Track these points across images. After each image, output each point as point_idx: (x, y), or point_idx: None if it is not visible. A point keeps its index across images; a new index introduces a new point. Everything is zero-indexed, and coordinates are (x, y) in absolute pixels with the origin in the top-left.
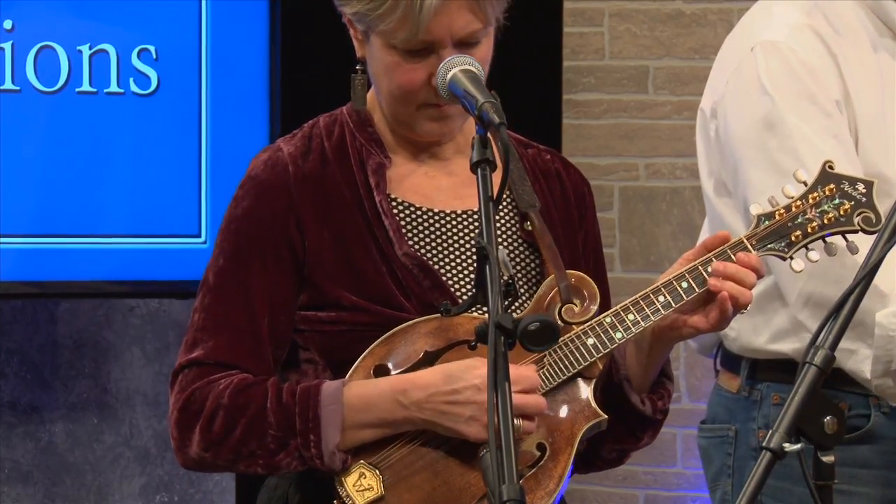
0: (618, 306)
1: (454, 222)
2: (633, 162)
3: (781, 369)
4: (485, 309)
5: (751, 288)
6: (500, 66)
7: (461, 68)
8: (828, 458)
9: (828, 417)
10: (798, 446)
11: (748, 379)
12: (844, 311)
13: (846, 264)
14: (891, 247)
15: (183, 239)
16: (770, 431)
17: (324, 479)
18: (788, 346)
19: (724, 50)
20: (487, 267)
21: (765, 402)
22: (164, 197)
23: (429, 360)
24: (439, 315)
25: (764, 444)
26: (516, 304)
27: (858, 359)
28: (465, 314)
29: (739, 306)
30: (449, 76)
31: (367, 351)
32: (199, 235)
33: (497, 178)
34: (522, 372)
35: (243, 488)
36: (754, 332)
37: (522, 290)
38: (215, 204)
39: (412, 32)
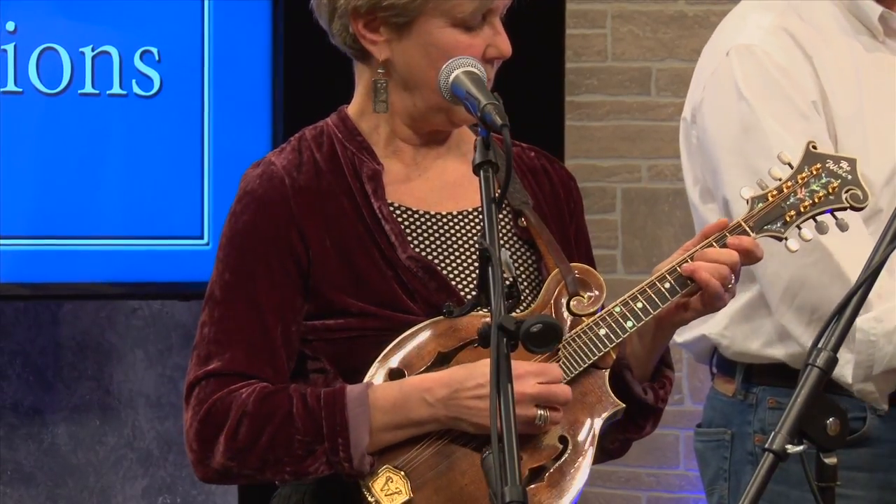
0: (625, 295)
1: (451, 223)
2: (636, 163)
3: (776, 374)
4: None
5: (731, 266)
6: (502, 68)
7: (464, 70)
8: (830, 460)
9: (830, 419)
10: (800, 448)
11: (743, 383)
12: (847, 314)
13: (820, 270)
14: (892, 250)
15: (185, 241)
16: (772, 433)
17: (344, 486)
18: (781, 352)
19: (702, 57)
20: (490, 269)
21: (760, 406)
22: (167, 198)
23: (443, 360)
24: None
25: (766, 446)
26: (521, 305)
27: (840, 363)
28: (475, 312)
29: (724, 282)
30: (451, 78)
31: (379, 356)
32: (201, 237)
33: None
34: (545, 366)
35: (246, 490)
36: (746, 340)
37: (523, 287)
38: (218, 206)
39: (485, 0)
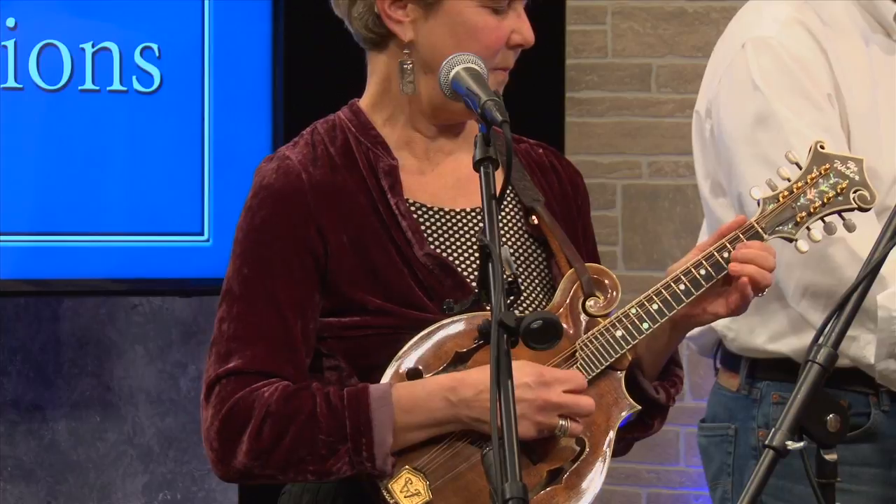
0: (641, 297)
1: (464, 220)
2: (636, 160)
3: (781, 368)
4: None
5: (771, 270)
6: None
7: (464, 66)
8: (830, 457)
9: (830, 415)
10: (801, 444)
11: (748, 378)
12: (848, 309)
13: (836, 253)
14: (893, 245)
15: (186, 237)
16: (773, 430)
17: (359, 486)
18: (787, 346)
19: (716, 50)
20: (490, 265)
21: (764, 401)
22: (167, 195)
23: (460, 360)
24: (466, 315)
25: (767, 442)
26: (526, 302)
27: (860, 345)
28: (476, 313)
29: (759, 289)
30: (452, 74)
31: (396, 355)
32: (202, 233)
33: (498, 175)
34: (572, 373)
35: (246, 487)
36: (752, 333)
37: (534, 286)
38: (218, 202)
39: None
